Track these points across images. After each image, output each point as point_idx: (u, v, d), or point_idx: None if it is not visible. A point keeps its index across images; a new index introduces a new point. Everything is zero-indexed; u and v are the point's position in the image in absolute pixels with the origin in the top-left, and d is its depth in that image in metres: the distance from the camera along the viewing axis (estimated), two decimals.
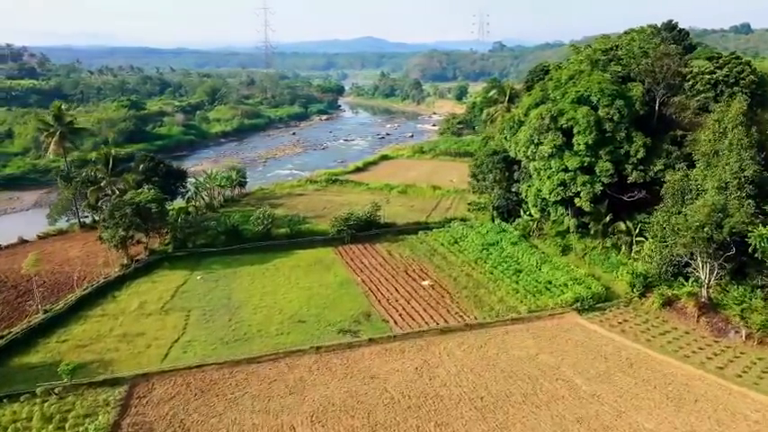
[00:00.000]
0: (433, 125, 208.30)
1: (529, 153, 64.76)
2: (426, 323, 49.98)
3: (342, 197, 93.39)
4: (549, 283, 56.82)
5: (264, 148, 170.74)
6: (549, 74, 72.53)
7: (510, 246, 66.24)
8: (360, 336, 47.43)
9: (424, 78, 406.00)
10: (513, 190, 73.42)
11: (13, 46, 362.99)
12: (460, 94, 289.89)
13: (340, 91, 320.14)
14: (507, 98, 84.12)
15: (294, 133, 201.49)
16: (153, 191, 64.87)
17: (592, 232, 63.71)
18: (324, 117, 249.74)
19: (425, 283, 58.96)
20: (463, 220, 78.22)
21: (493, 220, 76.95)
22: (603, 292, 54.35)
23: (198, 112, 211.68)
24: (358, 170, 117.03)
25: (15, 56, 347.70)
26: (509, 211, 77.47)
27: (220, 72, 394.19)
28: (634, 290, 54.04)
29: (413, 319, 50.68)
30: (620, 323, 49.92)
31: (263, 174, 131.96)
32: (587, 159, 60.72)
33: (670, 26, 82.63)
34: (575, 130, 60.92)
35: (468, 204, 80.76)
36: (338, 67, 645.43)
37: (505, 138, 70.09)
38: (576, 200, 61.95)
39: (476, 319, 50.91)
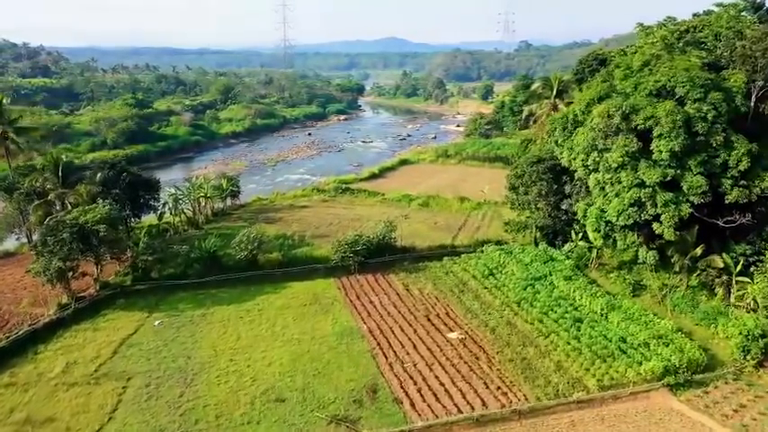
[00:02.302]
0: (458, 126, 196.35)
1: (589, 162, 49.66)
2: (456, 405, 35.21)
3: (352, 210, 79.01)
4: (623, 340, 41.61)
5: (276, 149, 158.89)
6: (613, 61, 57.05)
7: (562, 281, 51.09)
8: (360, 429, 32.94)
9: (448, 78, 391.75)
10: (563, 207, 58.29)
11: (29, 45, 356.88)
12: (486, 94, 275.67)
13: (360, 90, 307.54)
14: (555, 93, 68.72)
15: (310, 134, 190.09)
16: (108, 207, 51.17)
17: (677, 268, 48.24)
18: (342, 117, 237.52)
19: (453, 335, 44.23)
20: (499, 242, 63.25)
21: (536, 244, 61.89)
22: (703, 358, 38.99)
23: (208, 111, 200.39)
24: (373, 177, 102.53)
25: (31, 54, 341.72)
26: (555, 232, 62.47)
27: (239, 72, 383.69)
28: (748, 357, 38.65)
29: (436, 399, 35.97)
30: (735, 411, 34.59)
31: (272, 178, 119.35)
32: (671, 171, 45.39)
33: (755, 5, 66.68)
34: (654, 133, 45.73)
35: (505, 224, 65.67)
36: (360, 68, 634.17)
37: (556, 142, 55.02)
38: (656, 225, 46.67)
39: (526, 400, 35.99)
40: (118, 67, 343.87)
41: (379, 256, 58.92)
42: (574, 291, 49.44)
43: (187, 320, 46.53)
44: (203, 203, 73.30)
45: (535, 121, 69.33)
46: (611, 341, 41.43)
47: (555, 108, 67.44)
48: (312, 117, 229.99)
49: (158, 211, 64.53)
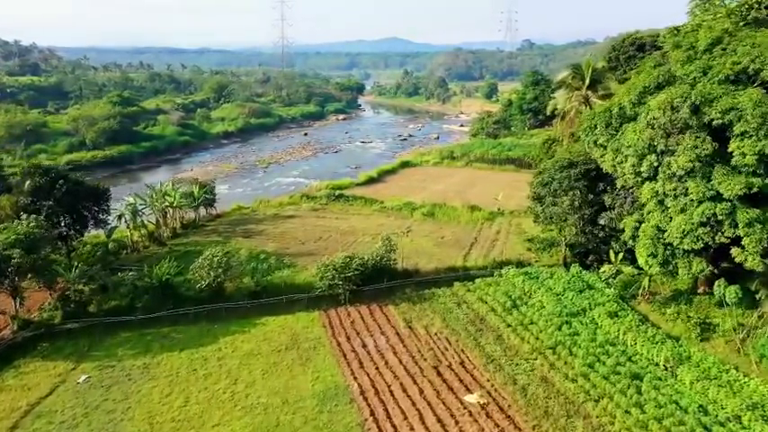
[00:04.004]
0: (461, 126, 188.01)
1: (644, 168, 38.74)
2: None
3: (345, 221, 68.20)
4: (704, 411, 30.73)
5: (270, 150, 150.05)
6: (666, 42, 45.98)
7: (607, 319, 40.24)
8: None
9: (450, 78, 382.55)
10: (601, 222, 47.40)
11: (20, 42, 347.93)
12: (490, 93, 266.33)
13: (360, 89, 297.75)
14: (587, 84, 57.30)
15: (306, 134, 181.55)
16: (32, 223, 40.49)
17: (766, 307, 37.27)
18: (341, 117, 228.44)
19: (473, 398, 33.31)
20: (520, 263, 52.47)
21: (566, 266, 51.19)
22: None
23: (199, 110, 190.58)
24: (371, 181, 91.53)
25: (23, 52, 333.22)
26: (588, 251, 51.78)
27: (237, 71, 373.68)
28: None
29: None
30: None
31: (262, 182, 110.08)
32: (758, 181, 34.57)
33: None
34: (735, 130, 34.95)
35: (528, 241, 54.74)
36: (361, 67, 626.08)
37: (595, 142, 44.12)
38: (735, 250, 35.88)
39: None
40: (110, 65, 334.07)
41: (376, 281, 48.08)
42: (624, 332, 38.58)
43: (123, 375, 35.62)
44: (170, 214, 62.31)
45: (563, 117, 58.33)
46: (687, 412, 30.52)
47: (586, 101, 56.53)
48: (310, 116, 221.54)
49: (108, 226, 53.47)
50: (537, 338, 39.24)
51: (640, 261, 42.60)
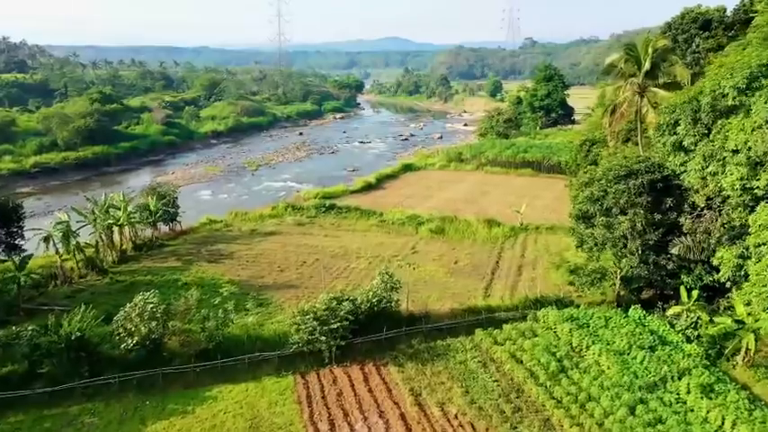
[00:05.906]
0: (465, 125, 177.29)
1: (761, 183, 26.76)
2: None
3: (336, 240, 56.03)
4: None
5: (261, 151, 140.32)
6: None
7: (700, 398, 28.14)
8: None
9: (451, 76, 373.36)
10: (674, 251, 35.36)
11: (8, 39, 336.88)
12: (495, 91, 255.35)
13: (359, 87, 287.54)
14: (646, 69, 44.30)
15: (301, 133, 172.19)
16: None
17: None
18: (339, 115, 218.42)
19: None
20: (560, 301, 40.40)
21: (619, 306, 39.24)
22: None
23: (187, 108, 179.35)
24: (368, 188, 79.35)
25: (11, 49, 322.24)
26: (645, 285, 39.96)
27: (235, 69, 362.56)
28: None
29: None
30: None
31: (249, 186, 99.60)
32: None
33: None
34: None
35: (571, 274, 42.49)
36: (361, 66, 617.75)
37: (675, 144, 32.06)
38: None
39: None
40: (100, 63, 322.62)
41: (372, 329, 35.86)
42: (731, 422, 26.48)
43: None
44: (116, 233, 49.96)
45: (612, 111, 45.97)
46: None
47: (642, 92, 44.29)
48: (306, 115, 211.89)
49: (21, 255, 40.99)
50: (601, 426, 27.23)
51: (739, 310, 30.62)
